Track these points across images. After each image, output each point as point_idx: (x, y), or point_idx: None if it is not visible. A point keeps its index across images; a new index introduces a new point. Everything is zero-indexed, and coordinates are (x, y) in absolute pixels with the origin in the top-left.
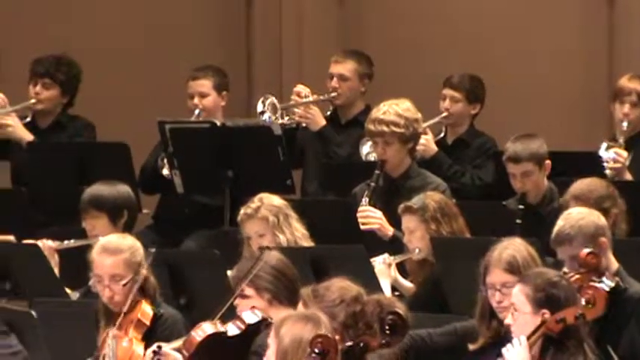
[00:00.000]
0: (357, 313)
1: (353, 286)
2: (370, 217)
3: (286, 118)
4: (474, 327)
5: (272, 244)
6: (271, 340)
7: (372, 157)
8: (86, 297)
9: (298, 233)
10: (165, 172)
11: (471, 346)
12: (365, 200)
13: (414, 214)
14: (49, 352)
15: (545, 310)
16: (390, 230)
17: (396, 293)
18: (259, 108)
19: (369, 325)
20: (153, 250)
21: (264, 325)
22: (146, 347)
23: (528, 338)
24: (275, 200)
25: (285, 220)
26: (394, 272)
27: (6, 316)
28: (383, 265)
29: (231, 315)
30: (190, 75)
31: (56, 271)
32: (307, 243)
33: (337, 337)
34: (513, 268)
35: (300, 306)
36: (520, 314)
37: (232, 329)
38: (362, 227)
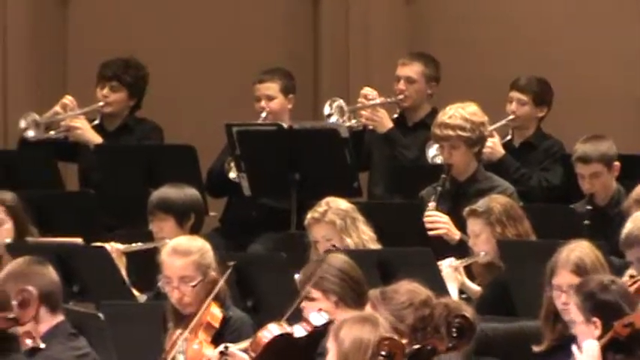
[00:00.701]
0: (426, 316)
1: (422, 289)
2: (437, 222)
3: (353, 121)
4: (538, 328)
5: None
6: (330, 344)
7: (439, 160)
8: (156, 300)
9: (365, 236)
10: (232, 175)
11: (536, 348)
12: (432, 205)
13: (479, 217)
14: (117, 354)
15: (595, 319)
16: (457, 235)
17: (463, 296)
18: (326, 111)
19: (436, 329)
20: (232, 263)
21: (330, 327)
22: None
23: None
24: (342, 204)
25: (353, 223)
26: (461, 275)
27: (74, 318)
28: (450, 269)
29: (298, 318)
30: (257, 78)
31: (124, 273)
32: (375, 246)
33: (405, 341)
34: (580, 270)
35: (368, 307)
36: (577, 324)
37: (299, 331)
38: (429, 233)
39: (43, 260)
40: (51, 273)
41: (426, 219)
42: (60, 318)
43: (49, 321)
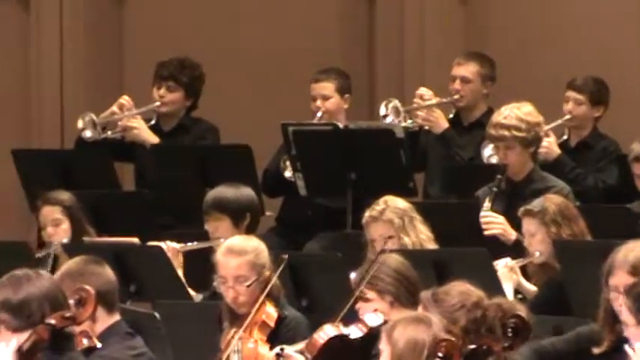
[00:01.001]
0: (479, 318)
1: (473, 291)
2: (492, 222)
3: (409, 121)
4: (596, 330)
5: (397, 247)
6: (383, 346)
7: (494, 160)
8: (211, 299)
9: (423, 235)
10: (288, 174)
11: (595, 350)
12: (487, 205)
13: (534, 217)
14: (172, 354)
15: None
16: (512, 235)
17: (519, 296)
18: (382, 111)
19: (491, 330)
20: (285, 256)
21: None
22: (270, 349)
23: None
24: (400, 203)
25: (410, 222)
26: (517, 276)
27: (130, 317)
28: (505, 269)
29: (353, 317)
30: (313, 77)
31: (180, 272)
32: (432, 245)
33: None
34: (637, 271)
35: (420, 309)
36: (629, 327)
37: (355, 332)
38: (485, 232)
39: (100, 259)
40: (108, 272)
41: (481, 219)
42: (116, 317)
43: (105, 320)
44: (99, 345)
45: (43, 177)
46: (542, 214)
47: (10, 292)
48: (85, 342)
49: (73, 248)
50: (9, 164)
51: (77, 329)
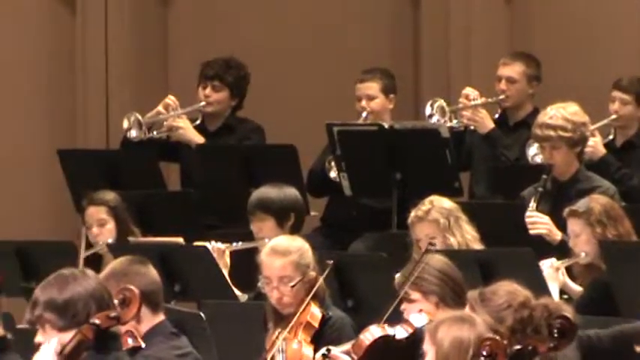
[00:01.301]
0: (525, 318)
1: (520, 290)
2: (538, 222)
3: (454, 122)
4: (636, 328)
5: (442, 247)
6: (427, 346)
7: (539, 159)
8: (257, 299)
9: (469, 235)
10: (333, 174)
11: (639, 348)
12: (532, 205)
13: (579, 217)
14: (217, 354)
15: None
16: (558, 235)
17: (565, 296)
18: (427, 111)
19: (537, 330)
20: (330, 262)
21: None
22: (315, 350)
23: None
24: (446, 203)
25: (456, 222)
26: (563, 276)
27: (175, 317)
28: (551, 269)
29: (398, 318)
30: (358, 77)
31: (225, 273)
32: (478, 245)
33: (504, 342)
34: None
35: (467, 309)
36: None
37: (400, 332)
38: (530, 232)
39: (145, 259)
40: (152, 272)
41: (526, 219)
42: (161, 317)
43: (150, 320)
44: (143, 345)
45: (89, 177)
46: (587, 214)
47: (55, 291)
48: (130, 342)
49: (118, 248)
50: (55, 164)
51: (122, 329)
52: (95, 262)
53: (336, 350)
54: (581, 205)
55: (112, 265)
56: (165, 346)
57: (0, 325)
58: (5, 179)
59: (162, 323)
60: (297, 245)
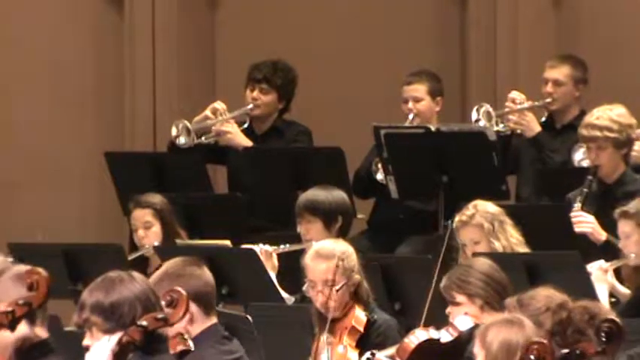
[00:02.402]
0: (564, 320)
1: (558, 294)
2: (582, 221)
3: (501, 126)
4: None
5: (487, 251)
6: (477, 349)
7: (585, 164)
8: (303, 302)
9: (513, 239)
10: (379, 176)
11: None
12: (577, 206)
13: (631, 218)
14: (265, 356)
15: None
16: (602, 235)
17: (612, 299)
18: (474, 116)
19: (579, 332)
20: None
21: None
22: (360, 354)
23: None
24: (489, 207)
25: (500, 226)
26: (611, 278)
27: (223, 320)
28: (599, 272)
29: (444, 321)
30: (405, 80)
31: (273, 275)
32: (523, 249)
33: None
34: None
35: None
36: None
37: (445, 336)
38: (575, 229)
39: (199, 261)
40: (206, 274)
41: (572, 218)
42: (213, 320)
43: (202, 322)
44: (192, 347)
45: (136, 180)
46: (638, 215)
47: (102, 294)
48: (180, 344)
49: (165, 251)
50: (103, 167)
51: (172, 331)
52: (141, 265)
53: (380, 354)
54: (632, 206)
55: (166, 266)
56: (215, 350)
57: (43, 327)
58: (53, 182)
59: (214, 326)
60: (342, 249)
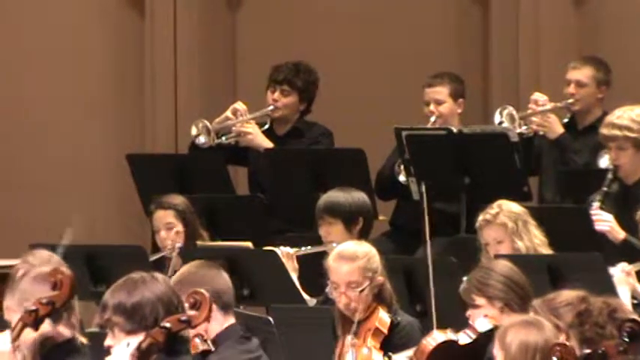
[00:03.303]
0: (583, 312)
1: (581, 292)
2: (600, 220)
3: (524, 127)
4: None
5: (510, 251)
6: (497, 351)
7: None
8: (325, 304)
9: (537, 240)
10: (402, 178)
11: None
12: (596, 204)
13: None
14: (286, 358)
15: None
16: (620, 234)
17: (635, 301)
18: (497, 119)
19: (598, 325)
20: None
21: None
22: (384, 356)
23: None
24: (514, 207)
25: (524, 226)
26: (633, 280)
27: (244, 322)
28: (622, 274)
29: (463, 323)
30: (426, 82)
31: (294, 277)
32: (546, 250)
33: (563, 337)
34: None
35: (532, 314)
36: None
37: (464, 338)
38: (595, 227)
39: (216, 264)
40: (223, 274)
41: (592, 216)
42: (231, 320)
43: (221, 322)
44: (213, 348)
45: (158, 181)
46: None
47: (124, 295)
48: (200, 345)
49: (187, 252)
50: (124, 169)
51: (192, 332)
52: (162, 266)
53: (397, 357)
54: None
55: (183, 269)
56: (235, 350)
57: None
58: (75, 184)
59: (233, 326)
60: (365, 250)
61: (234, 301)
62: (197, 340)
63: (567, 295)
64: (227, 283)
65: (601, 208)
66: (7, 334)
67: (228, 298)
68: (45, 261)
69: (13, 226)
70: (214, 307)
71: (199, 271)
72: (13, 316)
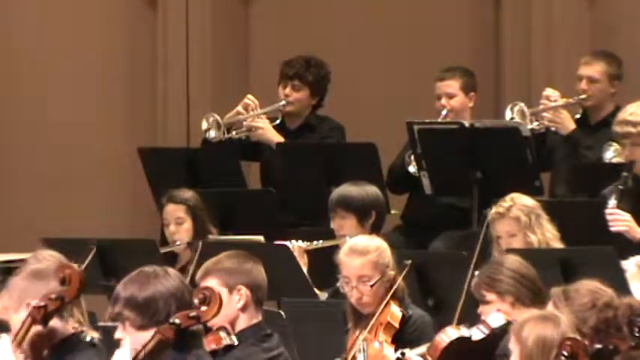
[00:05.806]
0: (609, 318)
1: (604, 290)
2: (618, 219)
3: (535, 123)
4: None
5: (522, 245)
6: (512, 346)
7: (615, 162)
8: (335, 297)
9: (549, 234)
10: (412, 169)
11: None
12: (613, 203)
13: None
14: (298, 352)
15: None
16: (638, 233)
17: None
18: (508, 115)
19: (619, 329)
20: (408, 262)
21: (509, 328)
22: (396, 350)
23: None
24: (527, 200)
25: (537, 220)
26: None
27: None
28: (635, 268)
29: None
30: (438, 76)
31: (305, 271)
32: (558, 244)
33: (586, 342)
34: None
35: (550, 306)
36: None
37: (477, 334)
38: (611, 229)
39: (254, 257)
40: (262, 270)
41: (607, 216)
42: (259, 317)
43: (250, 318)
44: (236, 342)
45: (170, 175)
46: None
47: (136, 289)
48: (224, 339)
49: (197, 246)
50: (136, 163)
51: (216, 324)
52: (170, 260)
53: (411, 353)
54: None
55: (219, 256)
56: (257, 348)
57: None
58: (86, 177)
59: (260, 324)
60: (376, 244)
61: (265, 297)
62: (222, 334)
63: (590, 294)
64: (264, 278)
65: (618, 206)
66: (4, 338)
67: (262, 294)
68: (44, 258)
69: (25, 221)
70: (249, 300)
71: (239, 261)
72: (12, 315)
